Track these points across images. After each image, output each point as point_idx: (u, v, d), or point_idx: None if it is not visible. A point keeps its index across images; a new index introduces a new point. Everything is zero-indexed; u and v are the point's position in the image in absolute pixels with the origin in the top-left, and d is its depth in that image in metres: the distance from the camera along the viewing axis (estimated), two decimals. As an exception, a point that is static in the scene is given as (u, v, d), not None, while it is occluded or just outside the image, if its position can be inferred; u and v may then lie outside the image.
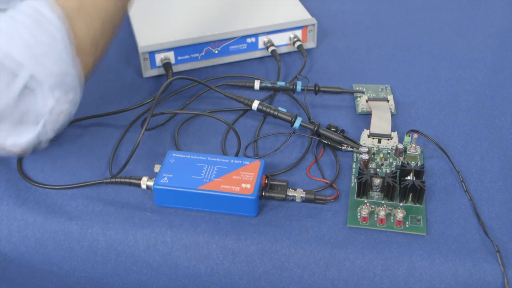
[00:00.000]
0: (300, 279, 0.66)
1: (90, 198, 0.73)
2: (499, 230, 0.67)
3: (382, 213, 0.68)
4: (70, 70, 0.60)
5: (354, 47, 1.01)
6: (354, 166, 0.76)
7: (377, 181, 0.71)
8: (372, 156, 0.77)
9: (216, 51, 0.96)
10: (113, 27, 0.68)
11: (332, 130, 0.79)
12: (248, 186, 0.69)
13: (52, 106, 0.60)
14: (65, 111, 0.61)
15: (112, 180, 0.74)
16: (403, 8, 1.11)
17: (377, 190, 0.72)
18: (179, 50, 0.94)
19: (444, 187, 0.73)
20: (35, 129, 0.60)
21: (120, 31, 1.07)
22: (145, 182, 0.72)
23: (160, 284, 0.69)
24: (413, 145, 0.76)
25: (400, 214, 0.67)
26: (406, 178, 0.70)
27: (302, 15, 0.99)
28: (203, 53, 0.96)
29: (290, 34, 0.98)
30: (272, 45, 0.96)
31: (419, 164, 0.75)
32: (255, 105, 0.82)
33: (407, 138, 0.77)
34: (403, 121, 0.83)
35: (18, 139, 0.60)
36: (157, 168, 0.73)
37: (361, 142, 0.79)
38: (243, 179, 0.70)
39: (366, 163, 0.74)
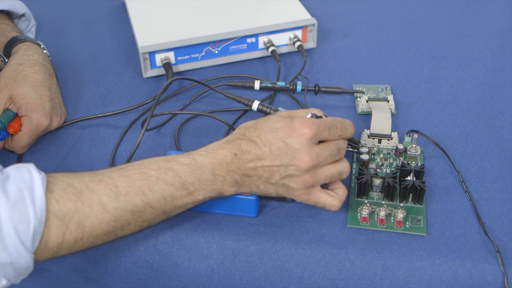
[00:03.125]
0: (300, 279, 0.66)
1: (90, 198, 0.73)
2: (499, 230, 0.67)
3: (382, 214, 0.68)
4: (8, 261, 0.55)
5: (354, 47, 1.01)
6: (354, 166, 0.76)
7: (377, 182, 0.71)
8: (372, 156, 0.77)
9: (216, 51, 0.96)
10: (100, 241, 0.62)
11: (332, 130, 0.79)
12: (248, 186, 0.69)
13: None
14: None
15: (112, 180, 0.74)
16: (403, 8, 1.11)
17: (377, 191, 0.72)
18: (179, 50, 0.94)
19: (444, 187, 0.73)
20: None
21: (120, 31, 1.08)
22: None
23: (160, 284, 0.69)
24: (413, 145, 0.76)
25: (400, 215, 0.67)
26: (406, 178, 0.70)
27: (302, 15, 0.99)
28: (203, 53, 0.96)
29: (290, 34, 0.98)
30: (272, 45, 0.96)
31: (419, 164, 0.75)
32: (255, 105, 0.82)
33: (407, 138, 0.77)
34: (403, 121, 0.83)
35: None
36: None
37: (361, 142, 0.79)
38: (243, 179, 0.70)
39: (366, 163, 0.74)
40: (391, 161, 0.76)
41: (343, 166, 0.67)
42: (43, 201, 0.56)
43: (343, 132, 0.67)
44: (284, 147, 0.63)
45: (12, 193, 0.55)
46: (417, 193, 0.69)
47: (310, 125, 0.63)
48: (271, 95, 0.90)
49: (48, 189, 0.58)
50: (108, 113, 0.88)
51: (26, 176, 0.57)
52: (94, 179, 0.61)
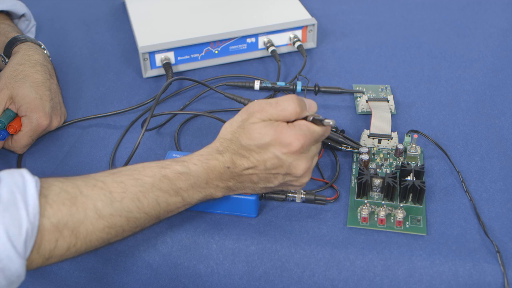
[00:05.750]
0: (300, 279, 0.66)
1: (90, 198, 0.73)
2: (499, 230, 0.67)
3: (382, 214, 0.68)
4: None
5: (354, 47, 1.01)
6: (354, 166, 0.76)
7: (377, 182, 0.71)
8: (372, 156, 0.77)
9: (216, 51, 0.96)
10: (93, 247, 0.60)
11: (332, 130, 0.79)
12: (248, 186, 0.69)
13: None
14: None
15: (112, 180, 0.74)
16: (403, 8, 1.11)
17: (377, 191, 0.72)
18: (179, 50, 0.94)
19: (444, 187, 0.73)
20: None
21: (120, 31, 1.08)
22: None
23: (160, 284, 0.69)
24: (413, 145, 0.76)
25: (400, 215, 0.67)
26: (406, 178, 0.70)
27: (302, 15, 0.99)
28: (203, 53, 0.96)
29: (290, 34, 0.98)
30: (272, 45, 0.96)
31: (419, 164, 0.75)
32: (255, 105, 0.82)
33: (407, 138, 0.77)
34: (403, 121, 0.83)
35: None
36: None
37: (361, 142, 0.79)
38: (243, 179, 0.70)
39: (366, 163, 0.74)
40: (391, 161, 0.76)
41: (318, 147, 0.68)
42: (37, 205, 0.54)
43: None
44: (279, 162, 0.64)
45: (4, 196, 0.53)
46: (417, 193, 0.69)
47: (298, 137, 0.63)
48: (271, 95, 0.90)
49: (41, 194, 0.56)
50: (108, 113, 0.88)
51: (18, 180, 0.55)
52: (88, 184, 0.59)
